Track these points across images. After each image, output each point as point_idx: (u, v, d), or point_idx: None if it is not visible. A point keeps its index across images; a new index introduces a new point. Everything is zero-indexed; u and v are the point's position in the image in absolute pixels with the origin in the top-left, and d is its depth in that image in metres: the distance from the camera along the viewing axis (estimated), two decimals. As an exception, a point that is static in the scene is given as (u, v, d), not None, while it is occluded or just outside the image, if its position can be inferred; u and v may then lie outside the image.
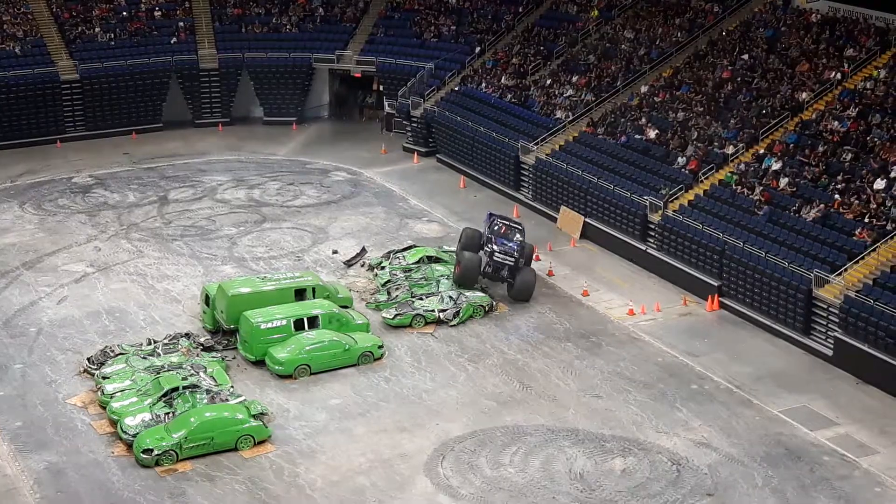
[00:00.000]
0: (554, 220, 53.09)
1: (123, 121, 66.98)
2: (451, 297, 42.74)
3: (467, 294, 43.02)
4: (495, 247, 43.61)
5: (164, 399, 34.82)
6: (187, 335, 40.16)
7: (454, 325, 41.90)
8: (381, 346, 39.49)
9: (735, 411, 35.85)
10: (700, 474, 32.12)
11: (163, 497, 31.04)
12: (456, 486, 31.52)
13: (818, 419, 35.20)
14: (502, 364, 39.05)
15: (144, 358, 37.95)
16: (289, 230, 52.01)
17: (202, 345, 39.62)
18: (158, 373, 36.55)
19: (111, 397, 35.50)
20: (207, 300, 41.23)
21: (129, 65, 67.26)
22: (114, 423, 34.42)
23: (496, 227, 44.96)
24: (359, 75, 71.08)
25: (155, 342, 39.44)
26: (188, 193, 57.14)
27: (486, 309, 42.92)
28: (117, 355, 38.44)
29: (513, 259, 43.43)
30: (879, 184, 42.99)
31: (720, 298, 43.82)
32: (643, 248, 48.10)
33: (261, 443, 33.67)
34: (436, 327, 41.84)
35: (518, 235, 44.67)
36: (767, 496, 31.02)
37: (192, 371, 36.67)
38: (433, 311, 42.19)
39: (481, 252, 44.37)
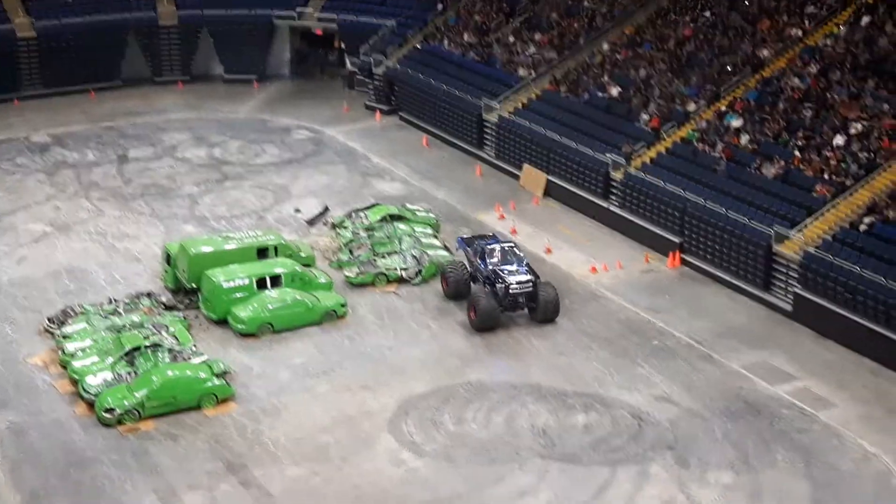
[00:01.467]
0: (517, 178, 53.11)
1: (82, 78, 66.12)
2: (413, 256, 42.71)
3: (430, 252, 43.00)
4: (507, 279, 38.34)
5: (125, 358, 34.65)
6: (149, 294, 39.93)
7: (417, 284, 41.91)
8: (344, 305, 39.46)
9: (696, 366, 36.18)
10: (661, 429, 32.43)
11: (125, 456, 30.96)
12: (419, 443, 31.66)
13: (778, 374, 35.59)
14: (465, 322, 39.11)
15: (105, 317, 37.71)
16: (250, 189, 51.73)
17: (164, 304, 39.43)
18: (120, 332, 36.34)
19: (72, 357, 35.28)
20: (169, 259, 40.98)
21: (86, 21, 66.37)
22: (75, 382, 34.23)
23: (489, 254, 39.63)
24: (320, 32, 70.55)
25: (116, 301, 39.19)
26: (148, 152, 56.64)
27: (449, 267, 42.91)
28: (78, 315, 38.18)
29: (531, 284, 38.40)
30: (839, 140, 43.28)
31: (681, 255, 44.10)
32: (606, 205, 48.25)
33: (224, 401, 33.61)
34: (398, 286, 41.84)
35: (517, 254, 39.91)
36: (727, 449, 31.38)
37: (154, 330, 36.49)
38: (396, 269, 42.18)
39: (486, 287, 39.15)
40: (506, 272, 38.63)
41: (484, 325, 37.84)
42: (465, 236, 42.89)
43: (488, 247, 39.92)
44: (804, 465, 30.57)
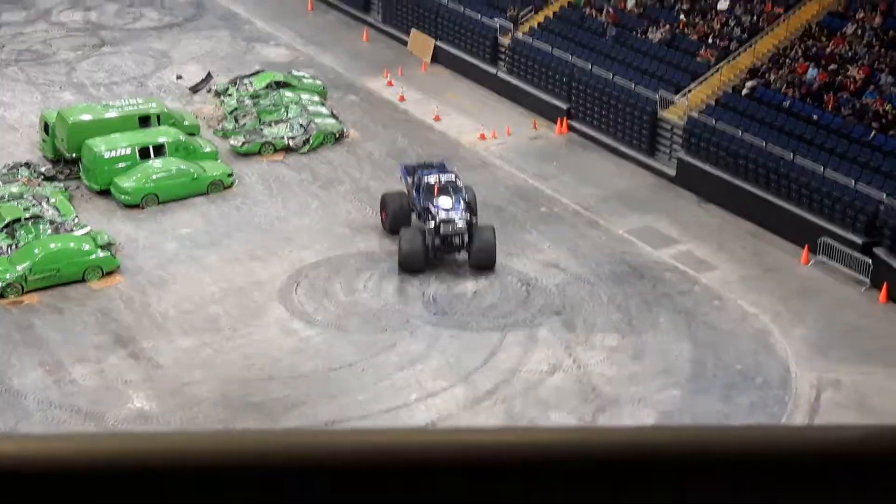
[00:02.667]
0: (405, 43, 52.42)
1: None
2: (300, 125, 42.12)
3: (317, 121, 42.44)
4: (438, 215, 33.70)
5: (5, 230, 33.76)
6: (27, 164, 38.78)
7: (305, 153, 41.44)
8: (230, 175, 38.89)
9: (582, 232, 36.74)
10: (549, 294, 33.02)
11: (10, 330, 30.44)
12: (310, 313, 31.74)
13: (661, 238, 36.37)
14: (355, 191, 38.96)
15: (-18, 189, 36.59)
16: (130, 55, 50.14)
17: (43, 174, 38.35)
18: (-2, 204, 35.36)
19: (-51, 231, 34.27)
20: (47, 128, 39.72)
21: None
22: (-47, 257, 33.33)
23: (425, 186, 34.69)
24: None
25: (-7, 173, 38.01)
26: (20, 16, 54.30)
27: (337, 135, 42.49)
28: (-47, 187, 36.97)
29: (464, 224, 33.69)
30: (723, 4, 43.57)
31: (569, 121, 44.32)
32: (494, 71, 48.04)
33: (109, 274, 33.12)
34: (286, 155, 41.33)
35: (456, 188, 34.75)
36: (612, 312, 32.16)
37: (34, 201, 35.55)
38: (283, 138, 41.58)
39: (419, 222, 34.62)
40: (438, 209, 33.90)
41: (406, 266, 33.50)
42: (407, 163, 38.00)
43: (425, 178, 34.93)
44: (686, 326, 31.53)
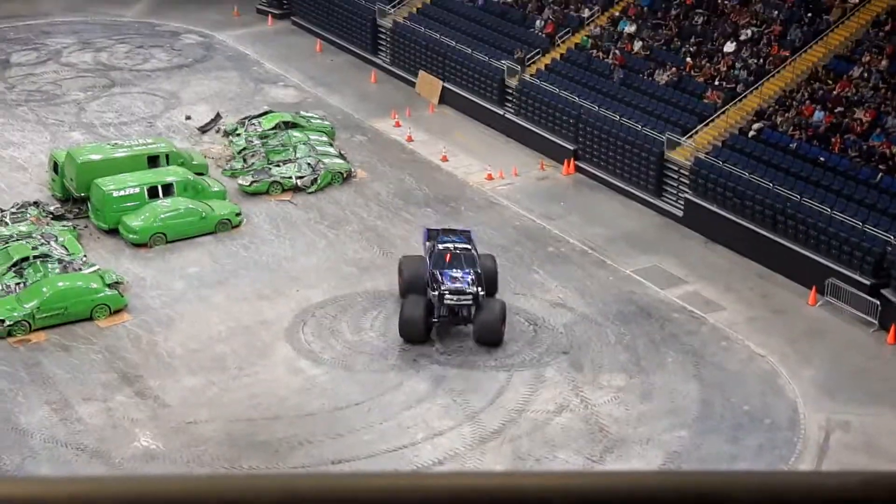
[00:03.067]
0: (412, 84, 52.71)
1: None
2: (308, 164, 42.29)
3: (325, 161, 42.62)
4: (444, 284, 32.16)
5: (13, 269, 33.86)
6: (36, 203, 38.93)
7: (312, 192, 41.58)
8: (238, 214, 39.01)
9: (589, 272, 36.74)
10: (556, 333, 32.97)
11: (17, 367, 30.44)
12: (317, 351, 31.71)
13: (668, 278, 36.35)
14: (362, 230, 39.05)
15: (-9, 228, 36.72)
16: (139, 95, 50.47)
17: (52, 213, 38.50)
18: (7, 242, 35.44)
19: (-43, 269, 34.36)
20: (56, 168, 39.93)
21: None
22: (-39, 295, 33.39)
23: (438, 253, 33.24)
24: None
25: (2, 211, 38.13)
26: (32, 56, 54.76)
27: (345, 175, 42.65)
28: (-38, 226, 37.09)
29: (470, 297, 31.96)
30: (729, 47, 43.82)
31: (576, 162, 44.45)
32: (501, 112, 48.25)
33: (117, 312, 33.15)
34: (294, 194, 41.47)
35: (470, 259, 33.09)
36: (620, 352, 32.09)
37: (43, 240, 35.66)
38: (290, 177, 41.75)
39: (429, 292, 32.57)
40: (446, 277, 32.38)
41: (405, 334, 31.97)
42: (431, 227, 36.21)
43: (440, 244, 33.53)
44: (693, 367, 31.44)
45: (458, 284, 32.11)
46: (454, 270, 32.55)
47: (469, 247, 33.73)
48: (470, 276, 32.42)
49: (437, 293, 31.98)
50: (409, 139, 46.64)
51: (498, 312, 32.06)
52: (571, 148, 44.67)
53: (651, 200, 41.50)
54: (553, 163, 44.95)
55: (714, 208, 38.97)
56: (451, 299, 31.86)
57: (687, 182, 40.28)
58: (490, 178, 43.54)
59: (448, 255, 32.91)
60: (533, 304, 34.59)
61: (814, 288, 34.88)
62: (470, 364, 31.30)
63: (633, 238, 39.15)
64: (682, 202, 40.36)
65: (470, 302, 31.97)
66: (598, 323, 33.63)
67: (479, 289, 32.14)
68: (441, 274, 32.42)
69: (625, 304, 34.75)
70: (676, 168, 40.87)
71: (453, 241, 33.93)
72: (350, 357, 31.52)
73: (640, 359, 31.79)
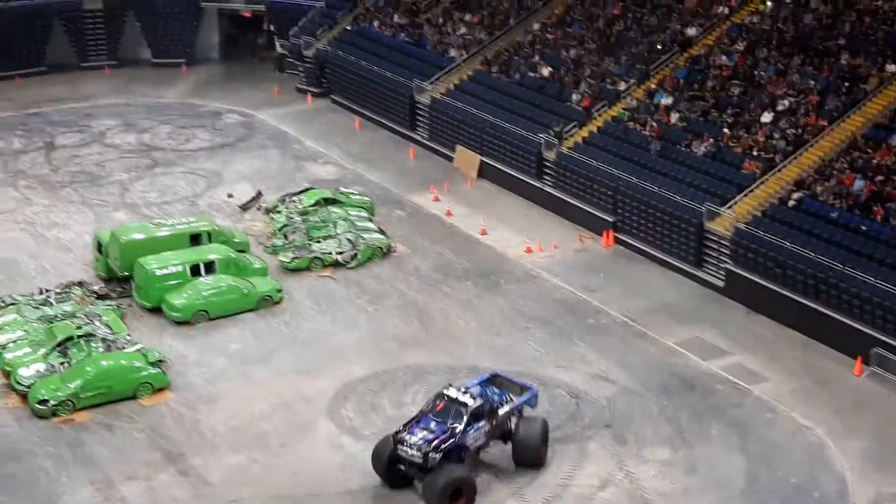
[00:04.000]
0: (450, 159, 53.12)
1: (6, 64, 64.78)
2: (349, 240, 42.58)
3: (365, 236, 42.90)
4: (412, 432, 28.52)
5: (58, 349, 34.17)
6: (80, 283, 39.38)
7: (353, 268, 41.80)
8: (279, 290, 39.24)
9: (631, 344, 36.54)
10: (598, 406, 32.73)
11: (61, 447, 30.57)
12: (358, 427, 31.64)
13: (711, 349, 36.06)
14: (402, 305, 39.14)
15: (37, 308, 37.11)
16: (182, 175, 51.17)
17: (96, 293, 38.90)
18: (52, 322, 35.81)
19: (3, 348, 34.68)
20: (100, 248, 40.45)
21: (10, 6, 65.03)
22: (7, 374, 33.69)
23: (434, 396, 29.63)
24: (249, 15, 69.89)
25: (47, 291, 38.57)
26: (76, 139, 55.75)
27: (385, 250, 42.88)
28: (8, 305, 37.52)
29: (419, 457, 27.88)
30: (767, 117, 43.88)
31: (615, 234, 44.45)
32: (539, 185, 48.46)
33: (160, 390, 33.29)
34: (334, 270, 41.70)
35: (459, 414, 28.67)
36: (663, 425, 31.78)
37: (87, 320, 36.00)
38: (331, 253, 42.03)
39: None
40: (424, 422, 28.79)
41: (373, 462, 29.14)
42: (500, 373, 32.05)
43: (450, 390, 29.54)
44: (739, 439, 31.06)
45: (418, 437, 28.15)
46: (433, 423, 28.61)
47: (475, 402, 28.90)
48: (439, 432, 28.26)
49: (395, 436, 28.66)
50: (448, 213, 46.88)
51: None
52: (610, 220, 44.71)
53: (691, 271, 41.35)
54: (592, 235, 44.98)
55: (756, 278, 38.76)
56: (402, 450, 28.18)
57: (727, 252, 40.13)
58: (529, 250, 43.61)
59: (441, 403, 29.04)
60: (574, 376, 34.40)
61: (859, 358, 34.48)
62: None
63: (674, 309, 38.95)
64: (723, 272, 40.17)
65: (420, 461, 27.81)
66: (640, 395, 33.37)
67: (436, 455, 27.83)
68: (418, 420, 28.96)
69: (667, 375, 34.48)
70: (717, 238, 40.76)
71: (475, 388, 30.23)
72: (391, 432, 31.33)
73: (684, 431, 31.46)
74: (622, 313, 38.62)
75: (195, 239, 40.48)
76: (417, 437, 28.15)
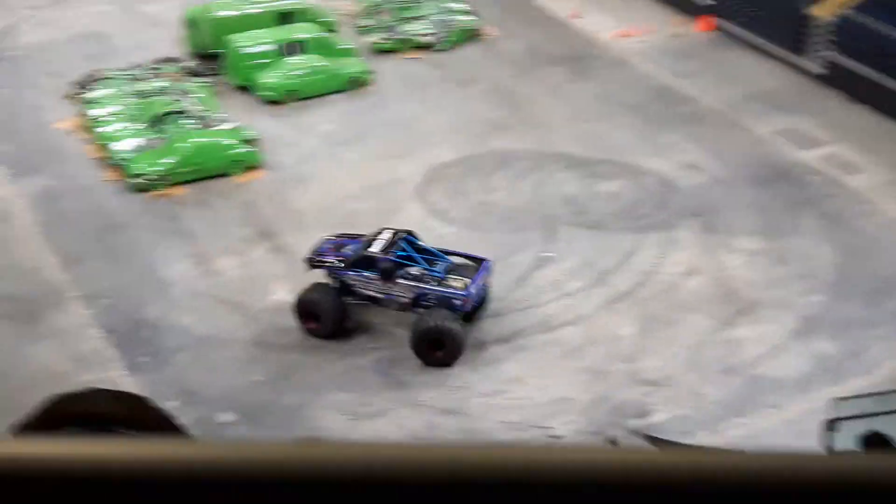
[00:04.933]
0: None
1: None
2: (439, 21, 41.86)
3: (456, 18, 42.12)
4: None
5: (153, 124, 34.62)
6: (173, 60, 39.49)
7: (442, 50, 41.25)
8: (368, 72, 38.99)
9: (724, 133, 35.92)
10: (687, 196, 32.51)
11: (158, 221, 31.40)
12: (446, 210, 31.91)
13: (807, 139, 35.33)
14: (491, 89, 38.73)
15: (131, 83, 37.45)
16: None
17: (188, 69, 39.03)
18: (146, 97, 36.16)
19: (100, 122, 35.27)
20: (191, 24, 40.33)
21: None
22: (104, 148, 34.35)
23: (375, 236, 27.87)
24: None
25: (140, 67, 38.81)
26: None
27: (475, 33, 42.13)
28: (104, 79, 37.90)
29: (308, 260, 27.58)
30: None
31: (712, 18, 43.05)
32: (635, -34, 46.81)
33: (252, 168, 33.75)
34: (423, 52, 41.20)
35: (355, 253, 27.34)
36: (754, 215, 31.54)
37: (181, 96, 36.28)
38: (421, 35, 41.42)
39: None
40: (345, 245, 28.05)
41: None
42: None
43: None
44: (830, 231, 30.77)
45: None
46: (349, 246, 27.98)
47: (372, 252, 27.14)
48: (330, 254, 27.77)
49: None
50: (540, -5, 45.73)
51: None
52: (708, 2, 43.24)
53: (791, 59, 40.10)
54: (688, 19, 43.63)
55: (858, 67, 37.50)
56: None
57: (831, 39, 38.73)
58: (622, 35, 42.55)
59: (370, 238, 27.83)
60: (664, 165, 34.07)
61: (961, 152, 33.58)
62: (600, 225, 31.17)
63: (771, 98, 37.98)
64: (824, 60, 38.91)
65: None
66: (731, 184, 33.02)
67: (311, 258, 27.77)
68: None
69: (760, 166, 33.98)
70: (820, 25, 39.29)
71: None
72: (479, 216, 31.65)
73: (775, 222, 31.22)
74: (717, 101, 37.81)
75: (285, 17, 40.12)
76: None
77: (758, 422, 24.65)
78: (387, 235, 27.55)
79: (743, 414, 24.93)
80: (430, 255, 27.47)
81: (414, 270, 26.87)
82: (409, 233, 27.94)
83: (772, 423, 24.57)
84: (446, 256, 27.58)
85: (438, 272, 26.93)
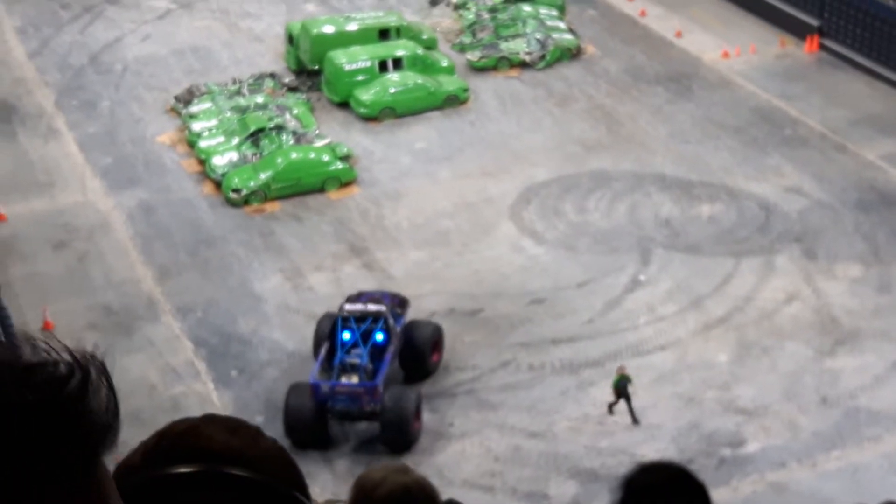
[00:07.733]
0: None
1: None
2: (538, 40, 41.59)
3: (555, 36, 41.82)
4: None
5: (250, 139, 34.96)
6: (272, 75, 39.90)
7: (541, 69, 40.96)
8: (466, 90, 38.87)
9: (828, 156, 34.98)
10: (789, 220, 31.70)
11: (252, 236, 31.65)
12: (540, 231, 31.59)
13: (915, 165, 34.25)
14: (590, 108, 38.30)
15: (230, 97, 37.92)
16: (372, -32, 50.60)
17: (287, 85, 39.39)
18: (244, 112, 36.56)
19: (199, 136, 35.74)
20: (291, 40, 40.73)
21: None
22: (202, 162, 34.79)
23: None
24: None
25: (240, 82, 39.28)
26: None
27: (574, 52, 41.77)
28: (203, 94, 38.45)
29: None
30: None
31: (819, 39, 42.03)
32: (740, -15, 46.01)
33: (346, 185, 33.85)
34: (521, 70, 40.96)
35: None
36: (857, 242, 30.60)
37: (278, 112, 36.60)
38: (519, 53, 41.20)
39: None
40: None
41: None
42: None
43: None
44: (937, 261, 29.71)
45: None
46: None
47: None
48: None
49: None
50: (643, 14, 45.10)
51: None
52: (815, 24, 42.23)
53: (900, 82, 38.96)
54: (794, 39, 42.65)
55: (971, 91, 36.27)
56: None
57: (941, 62, 37.56)
58: (726, 55, 41.75)
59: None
60: (765, 188, 33.29)
61: None
62: (696, 249, 30.53)
63: (879, 121, 36.87)
64: (935, 84, 37.72)
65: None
66: (835, 210, 32.10)
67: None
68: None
69: (865, 190, 32.99)
70: (930, 47, 38.13)
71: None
72: (573, 238, 31.26)
73: (879, 249, 30.24)
74: (821, 124, 36.83)
75: (384, 34, 40.26)
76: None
77: (854, 454, 23.86)
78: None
79: (839, 446, 24.16)
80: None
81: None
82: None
83: (869, 456, 23.77)
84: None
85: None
